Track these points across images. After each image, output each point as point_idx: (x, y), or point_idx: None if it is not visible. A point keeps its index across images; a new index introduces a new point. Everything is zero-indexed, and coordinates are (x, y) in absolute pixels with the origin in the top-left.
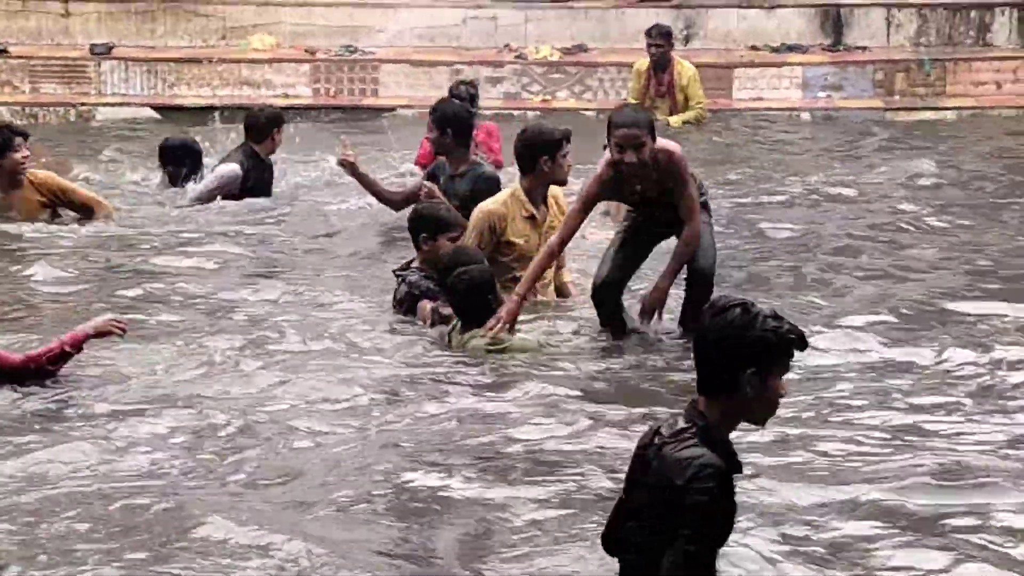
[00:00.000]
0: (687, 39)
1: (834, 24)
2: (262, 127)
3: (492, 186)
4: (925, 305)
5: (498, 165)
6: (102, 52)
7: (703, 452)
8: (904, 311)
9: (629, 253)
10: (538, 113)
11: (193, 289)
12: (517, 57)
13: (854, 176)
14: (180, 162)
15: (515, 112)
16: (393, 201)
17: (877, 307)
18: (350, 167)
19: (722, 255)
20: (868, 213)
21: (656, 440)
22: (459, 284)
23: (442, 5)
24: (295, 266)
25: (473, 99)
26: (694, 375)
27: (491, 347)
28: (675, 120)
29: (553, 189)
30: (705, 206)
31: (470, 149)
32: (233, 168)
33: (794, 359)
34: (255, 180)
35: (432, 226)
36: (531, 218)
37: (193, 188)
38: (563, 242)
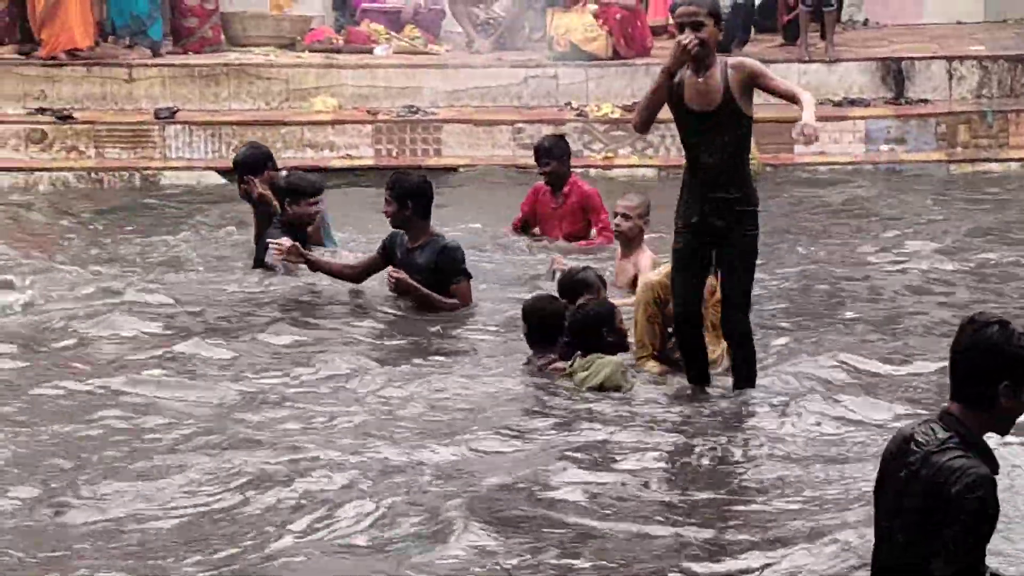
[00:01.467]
0: None
1: (896, 78)
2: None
3: (457, 257)
4: None
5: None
6: (166, 116)
7: (975, 463)
8: None
9: (690, 279)
10: (600, 170)
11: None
12: (578, 115)
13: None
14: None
15: (578, 169)
16: (350, 276)
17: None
18: (294, 258)
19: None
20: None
21: (915, 448)
22: (577, 316)
23: (502, 64)
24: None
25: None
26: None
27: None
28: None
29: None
30: (754, 218)
31: (429, 221)
32: None
33: None
34: None
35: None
36: None
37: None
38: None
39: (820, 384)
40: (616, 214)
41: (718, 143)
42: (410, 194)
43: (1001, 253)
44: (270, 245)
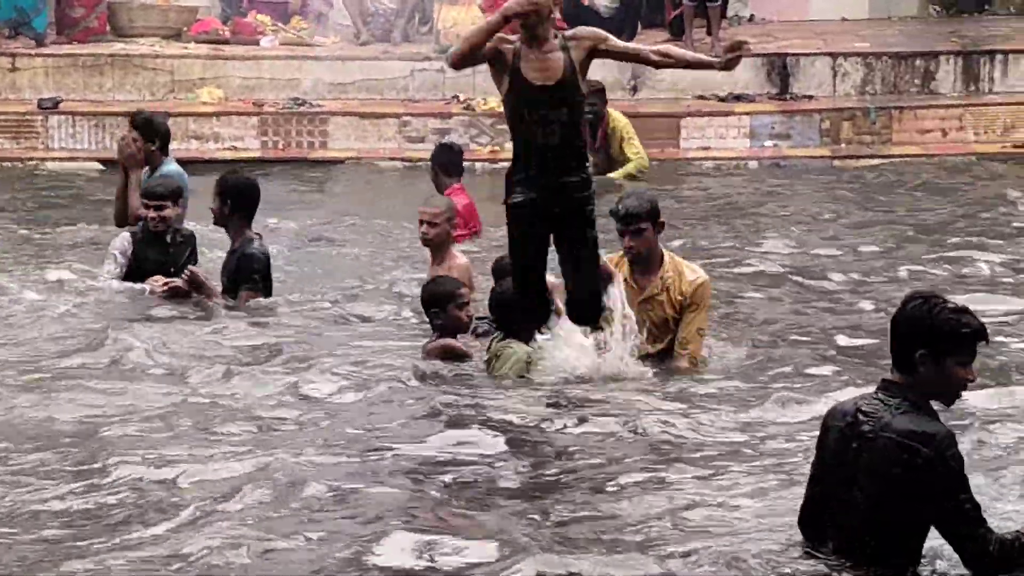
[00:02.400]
0: (635, 89)
1: (780, 73)
2: None
3: (253, 265)
4: None
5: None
6: (49, 107)
7: (936, 424)
8: None
9: (531, 250)
10: (487, 163)
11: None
12: (465, 108)
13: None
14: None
15: (465, 163)
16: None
17: None
18: (188, 286)
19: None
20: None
21: (863, 418)
22: (496, 298)
23: (389, 57)
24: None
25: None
26: None
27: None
28: (617, 175)
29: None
30: (595, 242)
31: (249, 224)
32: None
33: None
34: None
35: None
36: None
37: None
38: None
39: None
40: (421, 222)
41: (556, 122)
42: (232, 193)
43: (873, 247)
44: (156, 290)
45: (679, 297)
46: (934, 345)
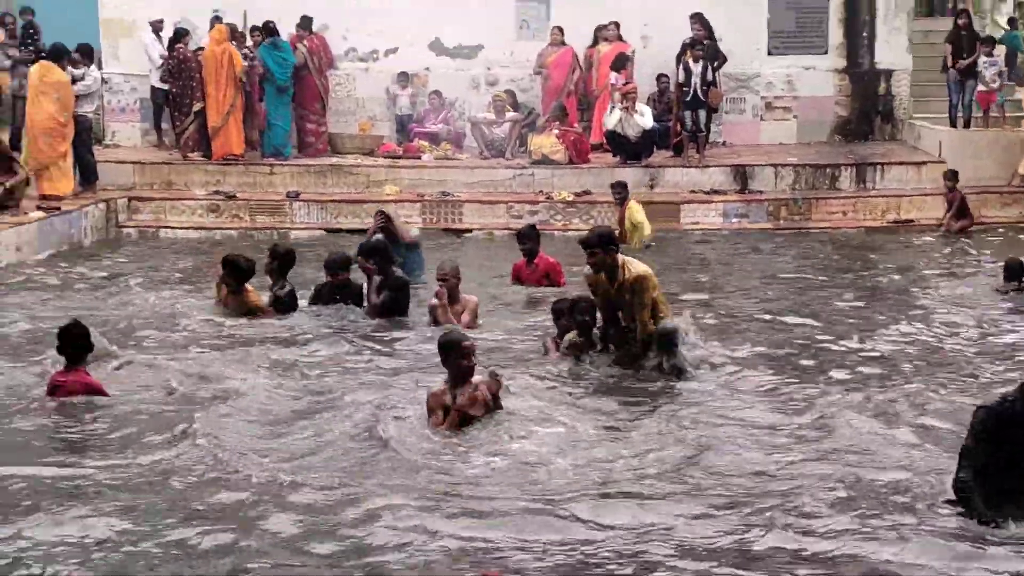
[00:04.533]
0: (652, 186)
1: (741, 177)
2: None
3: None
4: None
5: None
6: (294, 196)
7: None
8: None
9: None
10: (558, 232)
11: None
12: (547, 198)
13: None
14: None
15: (545, 232)
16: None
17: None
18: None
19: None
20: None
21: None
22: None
23: (500, 167)
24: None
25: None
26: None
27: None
28: (635, 245)
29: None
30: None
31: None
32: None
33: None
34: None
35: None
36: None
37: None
38: None
39: None
40: (440, 280)
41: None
42: (371, 254)
43: (798, 283)
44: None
45: (628, 285)
46: None
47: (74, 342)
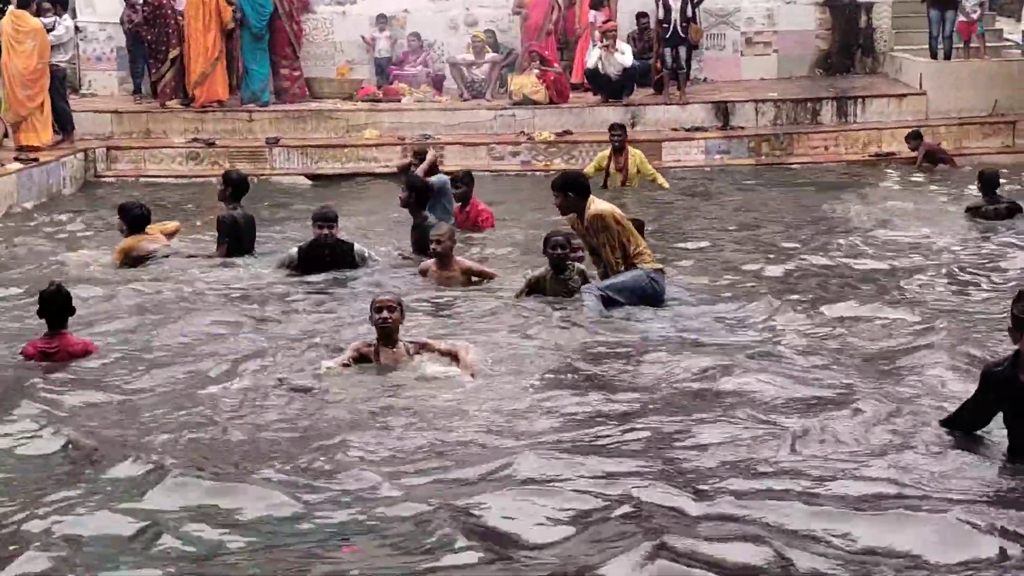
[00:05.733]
0: (633, 124)
1: (723, 113)
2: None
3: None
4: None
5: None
6: (273, 142)
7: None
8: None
9: None
10: (540, 173)
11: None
12: (528, 139)
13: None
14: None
15: (527, 173)
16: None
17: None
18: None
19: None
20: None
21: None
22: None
23: (480, 108)
24: None
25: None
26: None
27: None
28: (661, 181)
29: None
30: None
31: (425, 208)
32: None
33: None
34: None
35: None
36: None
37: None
38: None
39: None
40: (432, 242)
41: None
42: (411, 189)
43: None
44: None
45: (588, 224)
46: None
47: (61, 305)
